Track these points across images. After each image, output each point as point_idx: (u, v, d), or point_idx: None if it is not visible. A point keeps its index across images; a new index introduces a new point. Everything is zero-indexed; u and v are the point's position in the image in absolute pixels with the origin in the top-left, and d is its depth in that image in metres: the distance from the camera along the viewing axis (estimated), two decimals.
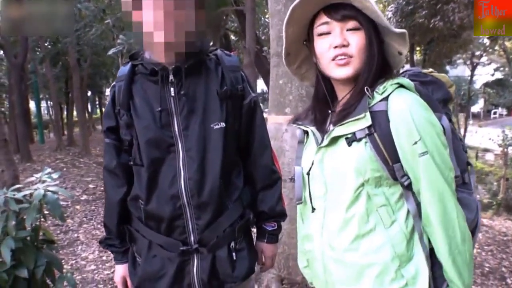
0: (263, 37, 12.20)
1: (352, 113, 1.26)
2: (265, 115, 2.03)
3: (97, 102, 29.18)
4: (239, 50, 11.34)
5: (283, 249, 3.67)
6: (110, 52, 6.34)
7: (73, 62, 13.71)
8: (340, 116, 1.30)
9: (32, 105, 20.29)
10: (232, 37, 14.35)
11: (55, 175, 2.74)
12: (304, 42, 1.42)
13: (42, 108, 20.19)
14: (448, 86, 1.50)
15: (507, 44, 18.95)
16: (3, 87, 16.48)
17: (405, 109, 1.20)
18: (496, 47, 19.77)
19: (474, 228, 1.36)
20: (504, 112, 36.50)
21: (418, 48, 16.68)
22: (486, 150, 16.83)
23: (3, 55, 14.25)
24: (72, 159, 11.84)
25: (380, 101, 1.24)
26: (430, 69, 1.54)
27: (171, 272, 1.60)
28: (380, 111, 1.23)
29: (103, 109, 29.70)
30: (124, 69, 1.64)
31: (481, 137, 14.12)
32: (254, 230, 1.85)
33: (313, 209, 1.39)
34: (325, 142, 1.32)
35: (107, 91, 32.06)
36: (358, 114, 1.24)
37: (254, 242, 1.84)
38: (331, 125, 1.34)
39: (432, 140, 1.19)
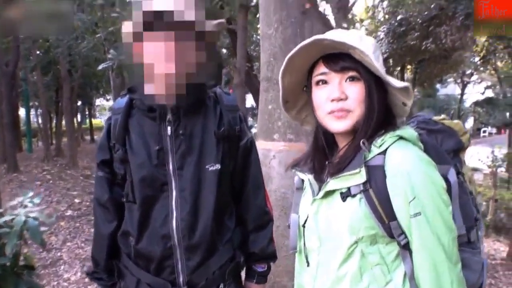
0: (254, 54, 12.21)
1: (347, 167, 1.20)
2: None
3: (86, 113, 29.02)
4: (230, 67, 11.33)
5: (269, 278, 3.59)
6: (100, 67, 6.30)
7: (64, 72, 13.62)
8: (336, 169, 1.24)
9: (22, 112, 20.12)
10: (225, 51, 14.36)
11: (36, 200, 2.71)
12: (304, 89, 1.36)
13: (31, 116, 20.02)
14: (461, 134, 1.44)
15: (499, 63, 19.15)
16: None
17: (402, 165, 1.14)
18: (488, 67, 19.97)
19: None
20: (494, 131, 36.84)
21: (409, 67, 16.81)
22: (475, 169, 16.89)
23: None
24: (59, 171, 11.70)
25: (378, 154, 1.18)
26: (443, 116, 1.49)
27: None
28: (377, 165, 1.17)
29: (93, 120, 29.73)
30: (121, 102, 1.61)
31: (470, 156, 14.16)
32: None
33: (308, 263, 1.34)
34: (320, 194, 1.27)
35: (97, 102, 32.03)
36: (353, 168, 1.18)
37: (243, 282, 1.81)
38: (328, 176, 1.27)
39: (429, 200, 1.13)
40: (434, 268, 1.13)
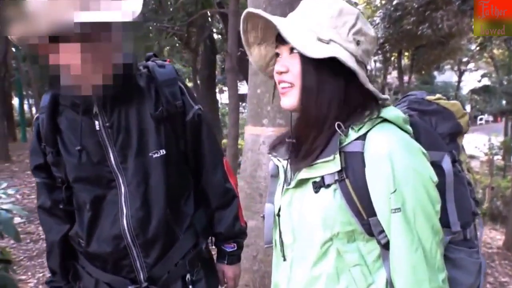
0: None
1: (322, 153, 1.04)
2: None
3: None
4: (223, 53, 11.16)
5: (259, 267, 3.51)
6: None
7: None
8: (308, 154, 1.08)
9: (16, 101, 19.96)
10: (219, 37, 14.17)
11: (11, 191, 2.58)
12: None
13: (25, 106, 19.85)
14: (459, 116, 1.27)
15: (495, 51, 19.05)
16: None
17: (384, 151, 0.97)
18: (485, 54, 19.89)
19: None
20: (490, 118, 36.88)
21: (406, 54, 16.71)
22: (472, 157, 16.89)
23: None
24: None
25: (357, 139, 1.01)
26: (438, 95, 1.32)
27: None
28: (355, 152, 1.01)
29: None
30: (45, 99, 1.44)
31: (467, 143, 14.13)
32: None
33: (284, 258, 1.18)
34: (293, 183, 1.11)
35: None
36: (327, 155, 1.02)
37: (216, 265, 1.71)
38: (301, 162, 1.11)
39: (412, 194, 0.97)
40: (412, 275, 0.98)
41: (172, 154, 1.45)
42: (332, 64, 1.01)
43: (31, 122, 17.91)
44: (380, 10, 10.91)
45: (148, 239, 1.42)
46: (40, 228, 5.53)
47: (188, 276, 1.51)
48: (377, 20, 10.42)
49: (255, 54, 1.20)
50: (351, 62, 1.01)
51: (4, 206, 2.34)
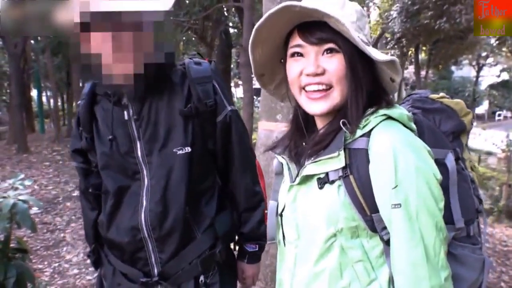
0: None
1: (326, 150, 1.06)
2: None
3: None
4: (239, 47, 11.17)
5: (271, 262, 3.52)
6: None
7: None
8: (314, 151, 1.09)
9: (34, 93, 20.25)
10: (235, 30, 14.16)
11: (27, 182, 2.62)
12: (281, 61, 1.19)
13: (44, 98, 20.13)
14: (462, 114, 1.28)
15: None
16: (5, 75, 16.41)
17: (387, 148, 0.98)
18: (504, 49, 19.54)
19: None
20: (509, 114, 36.27)
21: (424, 48, 16.50)
22: (489, 153, 16.64)
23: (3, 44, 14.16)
24: (69, 152, 11.70)
25: (362, 136, 1.03)
26: (442, 94, 1.33)
27: None
28: (360, 149, 1.03)
29: None
30: (86, 86, 1.51)
31: (485, 140, 13.91)
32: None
33: (287, 255, 1.20)
34: (298, 180, 1.13)
35: None
36: (332, 151, 1.03)
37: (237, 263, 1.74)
38: (307, 159, 1.12)
39: (414, 190, 0.97)
40: (411, 272, 0.97)
41: (197, 153, 1.46)
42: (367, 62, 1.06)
43: (49, 114, 18.13)
44: (397, 4, 10.78)
45: (163, 234, 1.44)
46: (57, 218, 5.66)
47: (202, 278, 1.51)
48: (394, 14, 10.32)
49: (258, 55, 1.19)
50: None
51: (21, 197, 2.40)
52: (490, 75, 29.21)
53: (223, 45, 12.46)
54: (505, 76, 27.52)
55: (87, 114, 1.47)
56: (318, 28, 1.05)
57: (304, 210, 1.13)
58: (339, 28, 1.02)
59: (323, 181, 1.06)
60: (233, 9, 10.24)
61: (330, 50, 1.06)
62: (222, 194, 1.63)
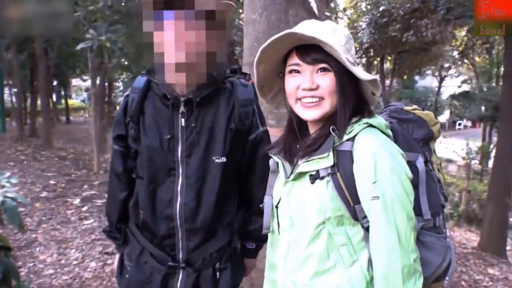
0: (236, 39, 12.11)
1: (317, 151, 1.26)
2: None
3: (62, 93, 28.45)
4: None
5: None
6: (79, 47, 6.15)
7: (40, 50, 13.27)
8: (306, 152, 1.30)
9: None
10: None
11: (13, 180, 2.63)
12: (279, 74, 1.41)
13: (5, 95, 19.49)
14: (431, 124, 1.50)
15: (476, 58, 19.50)
16: None
17: (368, 151, 1.20)
18: (465, 61, 20.34)
19: (443, 273, 1.36)
20: (469, 124, 37.61)
21: (389, 58, 16.96)
22: (449, 161, 17.27)
23: None
24: (33, 152, 11.44)
25: (347, 140, 1.24)
26: (414, 106, 1.54)
27: (157, 282, 1.69)
28: (345, 151, 1.24)
29: (68, 100, 29.13)
30: (140, 81, 1.67)
31: (445, 148, 14.45)
32: None
33: (281, 241, 1.39)
34: (292, 176, 1.32)
35: (74, 82, 31.38)
36: (322, 152, 1.24)
37: None
38: (300, 159, 1.33)
39: (390, 185, 1.17)
40: (386, 254, 1.17)
41: (230, 164, 1.65)
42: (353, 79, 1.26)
43: (10, 112, 17.39)
44: (366, 16, 11.10)
45: (194, 227, 1.64)
46: (27, 219, 5.57)
47: (217, 264, 1.72)
48: (363, 25, 10.61)
49: (261, 70, 1.39)
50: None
51: (9, 195, 2.41)
52: (452, 86, 30.22)
53: None
54: (466, 87, 28.55)
55: (137, 107, 1.62)
56: (313, 50, 1.26)
57: (297, 202, 1.32)
58: (331, 52, 1.23)
59: (315, 177, 1.26)
60: None
61: (323, 69, 1.27)
62: (239, 197, 1.81)
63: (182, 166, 1.61)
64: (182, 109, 1.60)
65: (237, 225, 1.78)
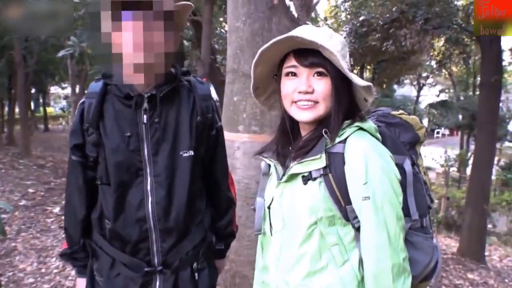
0: (217, 47, 12.15)
1: (310, 153, 1.29)
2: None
3: (40, 101, 28.05)
4: (192, 58, 11.24)
5: (230, 267, 3.62)
6: (60, 54, 6.10)
7: (19, 57, 13.09)
8: (298, 154, 1.33)
9: None
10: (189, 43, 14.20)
11: None
12: (274, 77, 1.44)
13: None
14: (417, 128, 1.54)
15: (454, 68, 19.89)
16: None
17: (359, 153, 1.23)
18: (443, 70, 20.72)
19: (431, 271, 1.40)
20: (447, 132, 38.24)
21: (368, 67, 17.19)
22: (428, 168, 17.49)
23: None
24: (11, 160, 11.27)
25: (339, 143, 1.27)
26: (401, 111, 1.59)
27: None
28: (337, 153, 1.27)
29: (47, 108, 28.70)
30: (95, 86, 1.62)
31: (424, 156, 14.63)
32: None
33: (273, 242, 1.42)
34: (285, 178, 1.35)
35: (53, 89, 30.93)
36: (315, 154, 1.27)
37: None
38: (291, 161, 1.36)
39: (380, 186, 1.21)
40: (376, 252, 1.20)
41: (197, 158, 1.65)
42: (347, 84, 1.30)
43: None
44: (346, 25, 11.25)
45: (167, 226, 1.60)
46: (6, 227, 5.47)
47: (195, 264, 1.70)
48: (344, 34, 10.72)
49: (259, 71, 1.42)
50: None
51: None
52: (430, 95, 30.70)
53: (177, 57, 12.43)
54: (443, 96, 29.06)
55: (96, 111, 1.58)
56: (311, 54, 1.29)
57: (290, 203, 1.34)
58: (328, 56, 1.26)
59: (307, 178, 1.29)
60: (189, 22, 10.33)
61: (319, 73, 1.30)
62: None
63: (150, 165, 1.57)
64: (145, 105, 1.56)
65: (207, 223, 1.79)
